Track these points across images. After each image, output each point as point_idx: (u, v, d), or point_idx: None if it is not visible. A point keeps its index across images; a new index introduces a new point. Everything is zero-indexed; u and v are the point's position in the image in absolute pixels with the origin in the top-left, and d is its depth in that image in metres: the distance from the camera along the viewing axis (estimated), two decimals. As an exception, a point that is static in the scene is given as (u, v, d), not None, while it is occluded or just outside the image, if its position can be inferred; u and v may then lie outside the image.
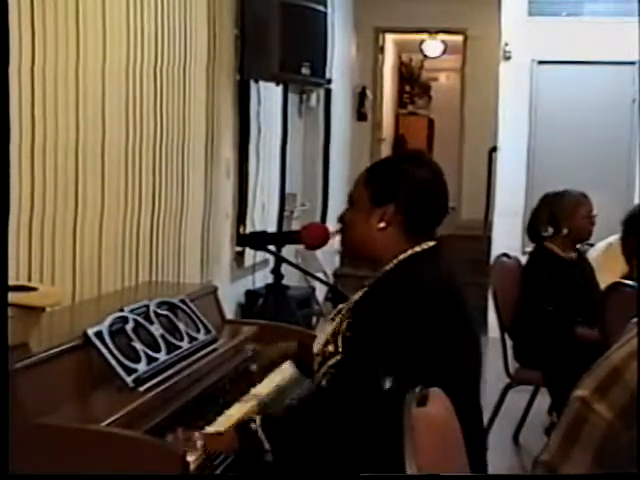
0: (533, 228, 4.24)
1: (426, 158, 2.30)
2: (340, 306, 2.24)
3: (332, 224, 5.10)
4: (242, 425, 2.00)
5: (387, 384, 1.70)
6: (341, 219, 2.28)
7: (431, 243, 2.18)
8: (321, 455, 1.98)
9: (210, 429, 2.12)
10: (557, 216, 4.13)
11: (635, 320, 1.30)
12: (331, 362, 2.12)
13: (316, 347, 2.21)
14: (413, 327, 2.00)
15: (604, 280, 4.03)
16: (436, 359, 2.02)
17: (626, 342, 1.30)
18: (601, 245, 4.42)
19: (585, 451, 1.28)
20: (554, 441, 1.32)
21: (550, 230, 4.14)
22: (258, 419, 1.97)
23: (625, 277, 4.27)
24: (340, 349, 2.10)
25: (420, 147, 12.11)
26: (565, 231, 4.11)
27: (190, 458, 1.87)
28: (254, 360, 2.60)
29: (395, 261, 2.15)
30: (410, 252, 2.15)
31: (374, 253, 2.18)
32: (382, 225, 2.16)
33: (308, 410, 2.02)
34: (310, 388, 2.40)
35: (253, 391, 2.47)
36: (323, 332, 2.22)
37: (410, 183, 2.15)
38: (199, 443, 1.95)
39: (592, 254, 4.48)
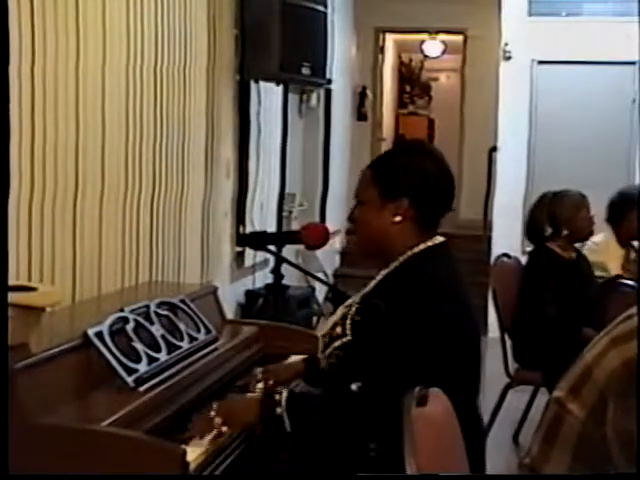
0: (532, 229, 4.24)
1: (428, 147, 2.30)
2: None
3: (331, 224, 5.10)
4: (266, 404, 2.00)
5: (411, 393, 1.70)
6: (351, 219, 2.27)
7: (441, 239, 2.18)
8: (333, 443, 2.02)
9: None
10: (558, 218, 4.11)
11: (624, 315, 1.30)
12: (337, 343, 2.13)
13: (324, 330, 2.23)
14: (426, 325, 2.01)
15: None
16: (440, 357, 2.02)
17: (598, 341, 1.31)
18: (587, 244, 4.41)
19: (564, 451, 1.28)
20: (535, 443, 1.33)
21: (549, 231, 4.13)
22: (284, 401, 1.97)
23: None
24: (348, 332, 2.12)
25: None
26: (566, 232, 4.11)
27: (190, 457, 1.87)
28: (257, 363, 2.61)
29: (410, 253, 2.14)
30: (422, 246, 2.15)
31: (388, 248, 2.17)
32: (398, 219, 2.14)
33: (338, 412, 2.01)
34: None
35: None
36: (330, 320, 2.24)
37: (420, 174, 2.14)
38: (217, 420, 2.01)
39: None
